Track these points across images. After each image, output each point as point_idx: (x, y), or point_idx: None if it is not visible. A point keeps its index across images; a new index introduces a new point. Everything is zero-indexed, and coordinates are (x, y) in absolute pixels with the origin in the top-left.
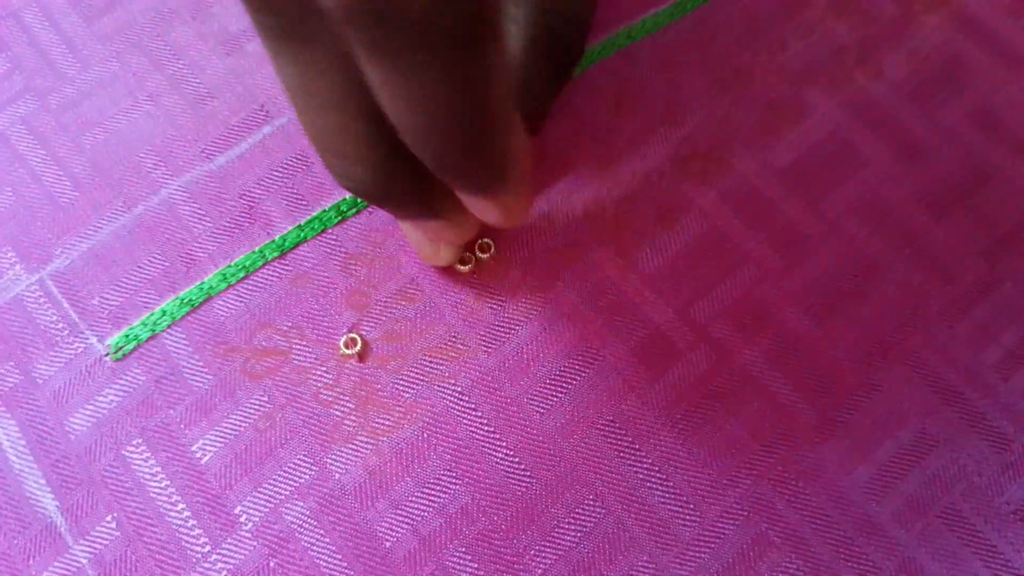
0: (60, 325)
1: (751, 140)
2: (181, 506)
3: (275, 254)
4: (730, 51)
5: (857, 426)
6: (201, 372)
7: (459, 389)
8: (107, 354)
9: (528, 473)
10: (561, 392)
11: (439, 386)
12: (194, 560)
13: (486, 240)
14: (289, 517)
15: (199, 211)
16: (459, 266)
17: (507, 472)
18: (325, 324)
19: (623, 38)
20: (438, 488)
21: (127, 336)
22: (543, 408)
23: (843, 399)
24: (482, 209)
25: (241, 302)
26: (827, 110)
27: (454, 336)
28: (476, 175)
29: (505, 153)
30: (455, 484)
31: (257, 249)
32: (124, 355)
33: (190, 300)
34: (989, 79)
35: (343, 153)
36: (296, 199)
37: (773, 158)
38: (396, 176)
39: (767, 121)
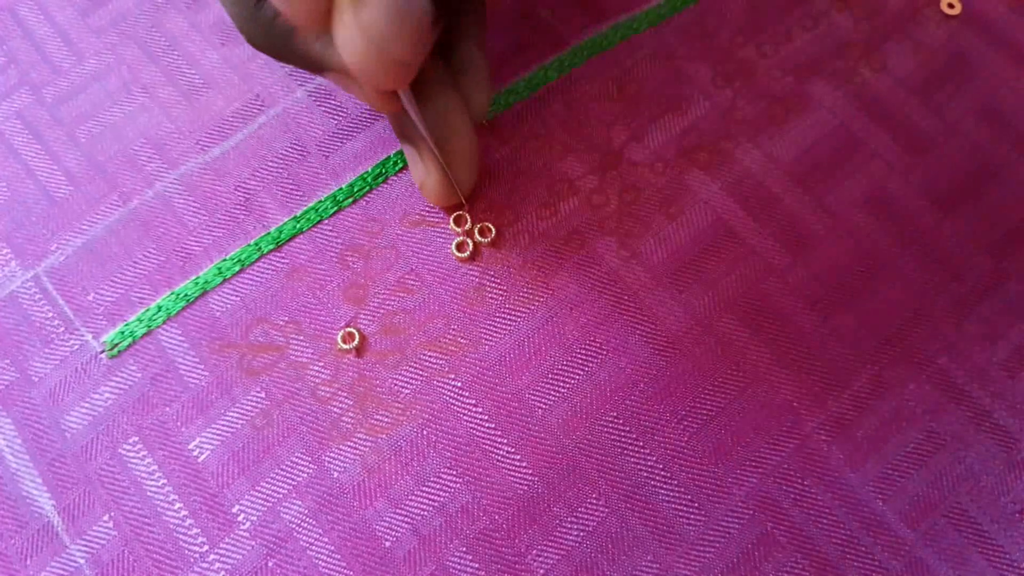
0: (55, 322)
1: (756, 133)
2: (178, 505)
3: (271, 246)
4: (735, 43)
5: (863, 424)
6: (197, 369)
7: (459, 384)
8: (102, 351)
9: (530, 470)
10: (563, 387)
11: (439, 381)
12: (192, 560)
13: (486, 224)
14: (287, 516)
15: (194, 204)
16: (457, 253)
17: (508, 469)
18: (322, 318)
19: (626, 29)
20: (438, 486)
21: (122, 332)
22: (545, 404)
23: (849, 397)
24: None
25: (237, 296)
26: (832, 103)
27: (454, 329)
28: None
29: None
30: (455, 482)
31: (253, 242)
32: (119, 352)
33: (185, 295)
34: (995, 74)
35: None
36: (292, 189)
37: (778, 151)
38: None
39: (772, 114)
